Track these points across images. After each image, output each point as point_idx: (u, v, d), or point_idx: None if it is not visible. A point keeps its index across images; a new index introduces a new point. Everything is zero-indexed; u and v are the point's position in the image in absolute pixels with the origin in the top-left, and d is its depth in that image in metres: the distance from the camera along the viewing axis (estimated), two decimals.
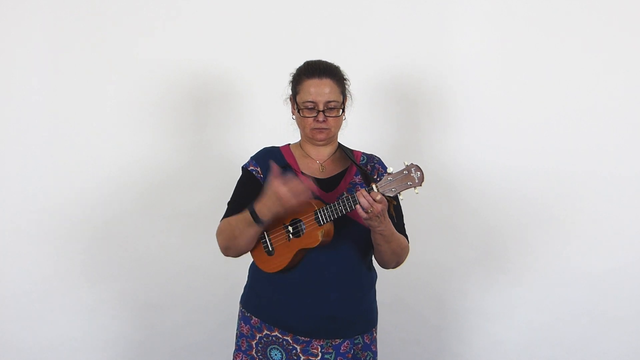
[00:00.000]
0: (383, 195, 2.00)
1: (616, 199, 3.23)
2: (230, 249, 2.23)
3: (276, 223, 2.17)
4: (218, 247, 2.28)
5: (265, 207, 2.09)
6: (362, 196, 2.00)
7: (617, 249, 3.25)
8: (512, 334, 3.29)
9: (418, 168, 1.99)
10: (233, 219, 2.19)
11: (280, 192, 2.03)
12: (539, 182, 3.22)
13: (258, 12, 3.22)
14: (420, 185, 1.99)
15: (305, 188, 2.04)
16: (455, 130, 3.23)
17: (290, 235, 2.16)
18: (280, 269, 2.18)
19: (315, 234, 2.10)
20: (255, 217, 2.10)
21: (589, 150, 3.22)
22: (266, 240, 2.20)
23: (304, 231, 2.13)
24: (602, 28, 3.19)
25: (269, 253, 2.20)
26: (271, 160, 2.21)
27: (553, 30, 3.20)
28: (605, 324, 3.27)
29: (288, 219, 2.16)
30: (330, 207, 2.07)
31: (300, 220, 2.13)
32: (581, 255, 3.25)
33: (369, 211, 2.00)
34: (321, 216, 2.08)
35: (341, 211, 2.06)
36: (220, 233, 2.24)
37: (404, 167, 2.00)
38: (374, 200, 1.99)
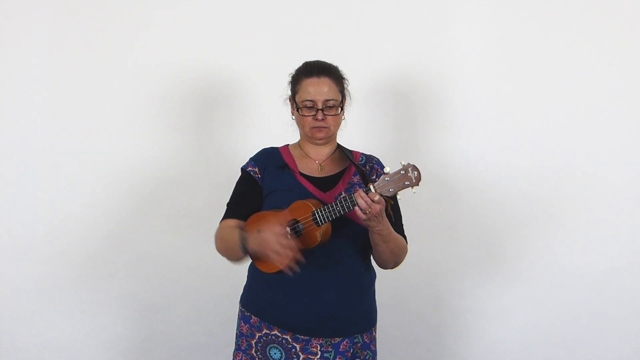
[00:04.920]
0: (381, 195, 2.01)
1: (616, 199, 3.23)
2: (225, 257, 2.27)
3: (274, 225, 2.17)
4: None
5: (251, 245, 2.10)
6: (360, 197, 2.00)
7: (617, 248, 3.25)
8: (511, 333, 3.29)
9: (415, 168, 2.00)
10: (227, 234, 2.21)
11: (270, 241, 2.01)
12: (538, 182, 3.22)
13: (258, 12, 3.23)
14: (418, 185, 2.00)
15: (291, 253, 2.01)
16: (454, 131, 3.24)
17: (289, 236, 2.15)
18: (279, 269, 2.18)
19: (313, 234, 2.10)
20: (243, 246, 2.12)
21: (589, 150, 3.22)
22: None
23: (302, 232, 2.13)
24: (601, 29, 3.20)
25: None
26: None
27: (551, 30, 3.20)
28: (605, 323, 3.27)
29: (286, 220, 2.16)
30: (328, 208, 2.07)
31: (298, 221, 2.13)
32: (581, 255, 3.25)
33: (367, 212, 2.01)
34: (319, 217, 2.09)
35: (339, 212, 2.06)
36: (217, 239, 2.27)
37: (401, 166, 2.00)
38: (372, 200, 2.00)
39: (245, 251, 2.13)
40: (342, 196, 2.07)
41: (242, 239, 2.12)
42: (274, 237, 2.02)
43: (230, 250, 2.20)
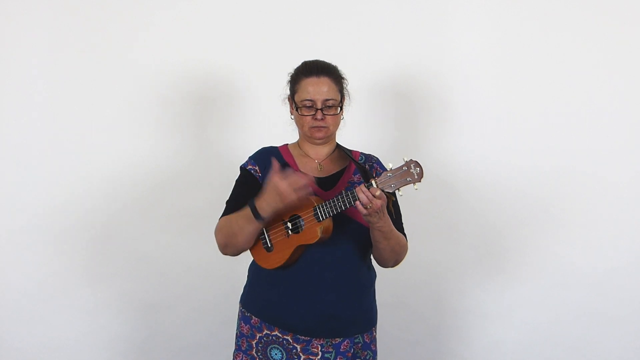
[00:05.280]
0: (382, 191, 2.00)
1: (616, 199, 3.23)
2: (228, 247, 2.23)
3: (275, 219, 2.17)
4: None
5: (265, 202, 2.08)
6: (362, 192, 2.00)
7: (617, 249, 3.25)
8: (511, 333, 3.29)
9: (417, 164, 1.99)
10: (233, 215, 2.19)
11: (280, 187, 2.02)
12: (539, 182, 3.23)
13: (258, 12, 3.23)
14: (420, 181, 1.99)
15: (305, 183, 2.03)
16: (454, 130, 3.24)
17: (289, 231, 2.15)
18: (279, 265, 2.18)
19: (314, 230, 2.10)
20: (255, 212, 2.10)
21: (589, 150, 3.22)
22: (265, 237, 2.20)
23: (303, 227, 2.12)
24: (601, 29, 3.20)
25: (268, 249, 2.20)
26: (273, 157, 2.21)
27: (551, 30, 3.21)
28: (605, 323, 3.27)
29: (287, 215, 2.16)
30: (330, 203, 2.07)
31: (299, 217, 2.13)
32: (581, 255, 3.26)
33: (368, 207, 2.00)
34: (320, 212, 2.08)
35: (340, 207, 2.06)
36: (219, 230, 2.24)
37: (404, 163, 2.00)
38: (374, 195, 1.99)
39: (257, 214, 2.09)
40: (343, 193, 2.07)
41: (251, 204, 2.10)
42: (282, 182, 2.02)
43: (237, 231, 2.17)
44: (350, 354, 2.24)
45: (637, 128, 3.21)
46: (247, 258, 2.32)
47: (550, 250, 3.26)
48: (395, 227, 2.19)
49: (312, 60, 2.29)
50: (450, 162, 3.24)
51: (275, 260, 2.19)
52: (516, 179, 3.23)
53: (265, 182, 2.11)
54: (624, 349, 3.28)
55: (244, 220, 2.14)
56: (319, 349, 2.21)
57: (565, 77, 3.20)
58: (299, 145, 2.36)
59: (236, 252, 2.25)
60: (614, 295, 3.26)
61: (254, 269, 2.32)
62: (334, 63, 2.31)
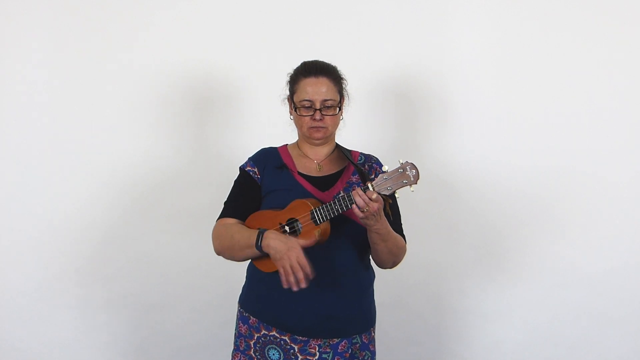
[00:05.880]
0: (379, 193, 2.00)
1: (616, 199, 3.23)
2: (223, 255, 2.26)
3: (272, 223, 2.18)
4: None
5: (272, 243, 2.07)
6: (358, 195, 2.00)
7: (617, 249, 3.25)
8: (511, 333, 3.29)
9: (413, 166, 1.99)
10: (236, 231, 2.19)
11: (291, 256, 2.01)
12: (538, 182, 3.22)
13: (258, 12, 3.23)
14: (416, 183, 1.99)
15: (306, 273, 2.01)
16: (454, 130, 3.24)
17: (287, 234, 2.15)
18: (277, 268, 2.18)
19: (311, 233, 2.10)
20: (259, 242, 2.09)
21: (589, 150, 3.22)
22: None
23: (301, 230, 2.13)
24: (601, 29, 3.20)
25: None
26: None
27: (551, 30, 3.20)
28: (605, 323, 3.27)
29: (284, 219, 2.16)
30: (327, 207, 2.07)
31: (297, 220, 2.13)
32: (581, 255, 3.25)
33: (365, 210, 2.00)
34: (317, 215, 2.08)
35: (337, 210, 2.06)
36: (217, 237, 2.25)
37: (399, 165, 2.00)
38: (370, 199, 1.99)
39: (259, 246, 2.09)
40: (340, 195, 2.07)
41: (260, 235, 2.10)
42: (296, 249, 2.02)
43: (236, 248, 2.18)
44: (348, 355, 2.24)
45: (637, 128, 3.21)
46: None
47: (550, 250, 3.26)
48: (394, 229, 2.19)
49: (311, 61, 2.29)
50: (450, 162, 3.23)
51: (273, 263, 2.18)
52: (516, 179, 3.23)
53: (290, 238, 2.08)
54: (624, 349, 3.28)
55: (245, 243, 2.14)
56: (317, 349, 2.21)
57: (565, 77, 3.20)
58: (298, 146, 2.36)
59: (230, 260, 2.27)
60: (614, 295, 3.26)
61: (252, 269, 2.32)
62: (333, 63, 2.31)
